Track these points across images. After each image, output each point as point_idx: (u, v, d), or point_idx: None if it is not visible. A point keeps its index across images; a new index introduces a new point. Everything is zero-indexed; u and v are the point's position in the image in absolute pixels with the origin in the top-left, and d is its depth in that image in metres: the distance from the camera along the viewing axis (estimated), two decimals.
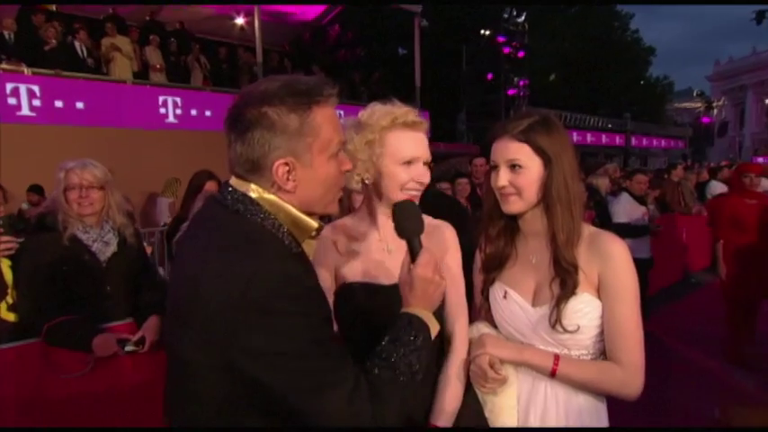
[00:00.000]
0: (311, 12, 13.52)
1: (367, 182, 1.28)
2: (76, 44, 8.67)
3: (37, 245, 2.15)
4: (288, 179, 0.96)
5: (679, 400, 3.57)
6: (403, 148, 1.25)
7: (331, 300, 1.32)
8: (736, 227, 4.26)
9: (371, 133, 1.24)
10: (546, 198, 1.23)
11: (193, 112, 8.93)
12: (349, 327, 1.31)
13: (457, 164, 9.08)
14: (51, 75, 7.71)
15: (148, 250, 3.35)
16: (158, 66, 9.65)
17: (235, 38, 12.22)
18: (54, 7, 9.63)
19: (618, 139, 23.08)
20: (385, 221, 1.31)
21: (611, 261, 1.19)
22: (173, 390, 1.00)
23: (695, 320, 5.56)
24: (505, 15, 17.26)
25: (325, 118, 0.98)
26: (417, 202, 1.24)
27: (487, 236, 1.37)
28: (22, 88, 7.21)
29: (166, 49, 10.09)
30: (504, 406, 1.26)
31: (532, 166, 1.22)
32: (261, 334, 0.85)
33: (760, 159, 21.53)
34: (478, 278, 1.42)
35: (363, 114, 1.29)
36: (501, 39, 17.29)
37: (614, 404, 1.30)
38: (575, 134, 19.38)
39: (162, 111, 8.59)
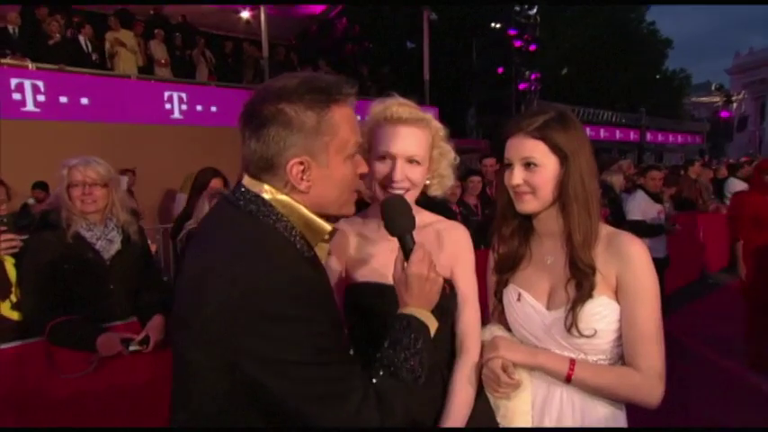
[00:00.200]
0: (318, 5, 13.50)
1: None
2: (81, 38, 8.73)
3: (40, 243, 2.16)
4: (302, 179, 0.94)
5: (697, 403, 3.52)
6: (379, 143, 1.24)
7: (342, 295, 1.31)
8: (757, 226, 4.19)
9: (364, 128, 1.24)
10: (562, 197, 1.20)
11: (199, 107, 8.95)
12: (355, 326, 1.30)
13: (467, 160, 9.05)
14: (56, 70, 7.77)
15: (152, 248, 3.37)
16: (163, 60, 9.70)
17: (240, 32, 12.24)
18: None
19: (632, 135, 22.84)
20: None
21: (631, 262, 1.17)
22: (176, 388, 1.00)
23: (713, 322, 5.49)
24: (516, 8, 17.10)
25: (344, 117, 0.97)
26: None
27: (501, 236, 1.35)
28: (27, 84, 7.26)
29: (171, 43, 10.13)
30: (517, 411, 1.24)
31: (548, 164, 1.19)
32: (268, 340, 0.84)
33: None
34: (491, 279, 1.40)
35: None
36: (512, 32, 17.13)
37: (630, 408, 1.28)
38: (587, 129, 19.14)
39: (167, 106, 8.62)
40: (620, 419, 1.27)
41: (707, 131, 27.00)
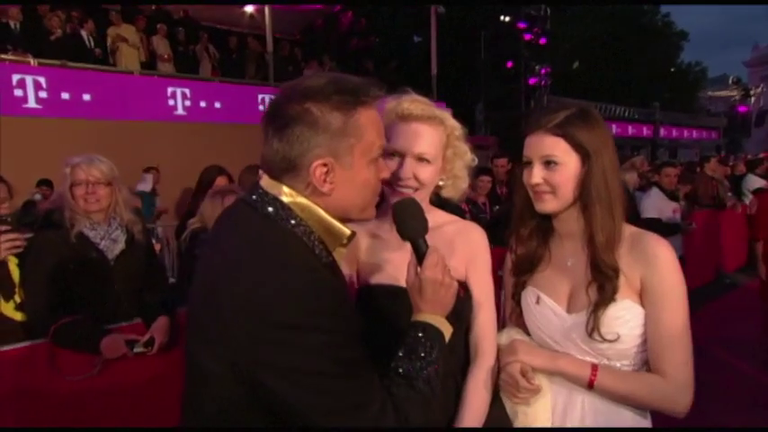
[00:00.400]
0: None
1: None
2: (83, 33, 8.77)
3: (43, 243, 2.17)
4: (325, 181, 0.94)
5: (715, 405, 3.48)
6: (389, 140, 1.22)
7: (353, 297, 1.29)
8: None
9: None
10: (583, 197, 1.18)
11: (203, 103, 8.97)
12: (368, 329, 1.28)
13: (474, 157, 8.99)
14: (58, 66, 7.80)
15: (157, 248, 3.38)
16: (166, 56, 9.73)
17: (244, 26, 12.24)
18: None
19: (645, 130, 22.63)
20: None
21: (657, 264, 1.14)
22: (187, 391, 1.00)
23: (731, 323, 5.44)
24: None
25: (370, 120, 0.96)
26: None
27: (519, 236, 1.33)
28: (29, 80, 7.29)
29: (174, 38, 10.15)
30: (537, 418, 1.22)
31: (569, 162, 1.17)
32: (286, 350, 0.83)
33: None
34: (509, 281, 1.38)
35: None
36: (521, 25, 17.02)
37: (654, 413, 1.26)
38: None
39: (170, 102, 8.65)
40: (646, 427, 1.25)
41: (723, 127, 26.71)
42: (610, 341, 1.16)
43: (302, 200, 0.95)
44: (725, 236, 7.24)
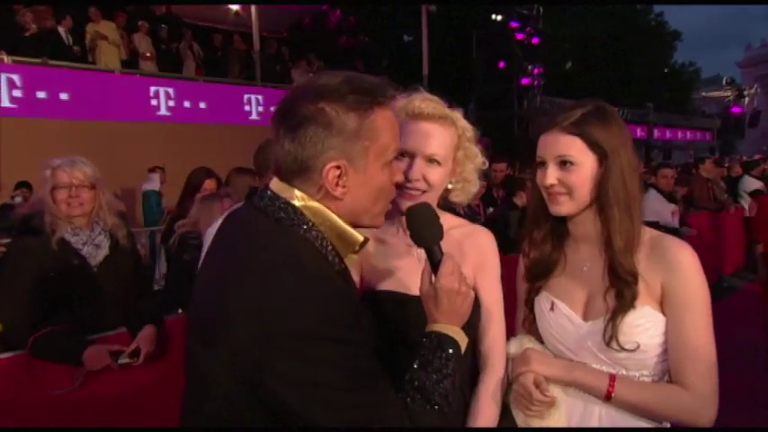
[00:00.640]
0: None
1: None
2: (61, 30, 8.63)
3: (22, 249, 2.12)
4: (338, 184, 0.92)
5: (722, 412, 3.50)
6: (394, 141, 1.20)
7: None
8: None
9: None
10: (600, 198, 1.16)
11: (187, 103, 8.90)
12: (374, 338, 1.25)
13: None
14: (33, 63, 7.67)
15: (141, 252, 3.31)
16: (148, 54, 9.62)
17: (229, 24, 12.17)
18: None
19: (639, 132, 22.85)
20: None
21: (679, 270, 1.12)
22: (188, 395, 0.98)
23: (731, 326, 5.47)
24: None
25: (386, 121, 0.95)
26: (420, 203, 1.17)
27: (532, 240, 1.30)
28: (2, 78, 7.17)
29: (156, 35, 10.05)
30: None
31: (585, 162, 1.15)
32: (299, 362, 0.81)
33: None
34: (522, 286, 1.36)
35: None
36: (514, 24, 17.14)
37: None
38: None
39: (153, 102, 8.58)
40: None
41: (717, 128, 27.09)
42: (628, 350, 1.13)
43: (314, 204, 0.93)
44: (722, 238, 7.31)
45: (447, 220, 1.33)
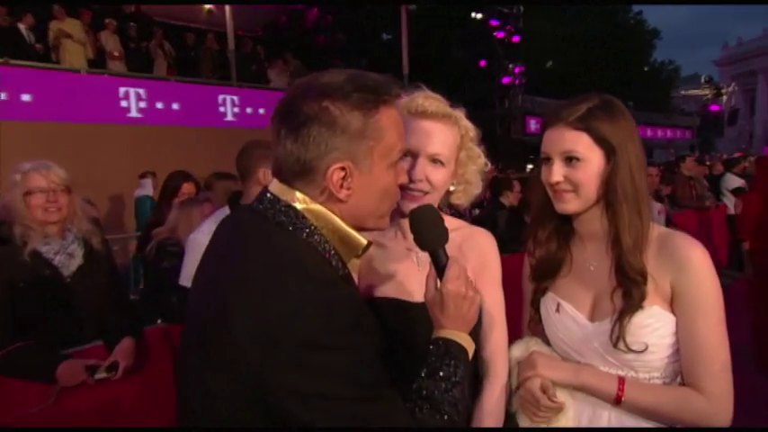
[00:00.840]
0: None
1: None
2: (21, 27, 8.40)
3: None
4: (342, 186, 0.91)
5: None
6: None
7: None
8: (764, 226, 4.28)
9: None
10: (608, 195, 1.15)
11: (159, 104, 8.74)
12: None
13: None
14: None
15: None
16: (116, 53, 9.43)
17: (202, 22, 12.02)
18: None
19: None
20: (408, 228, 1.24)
21: (690, 268, 1.12)
22: (184, 400, 0.96)
23: None
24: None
25: (391, 120, 0.94)
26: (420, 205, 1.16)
27: (537, 239, 1.30)
28: None
29: (125, 34, 9.87)
30: None
31: (592, 158, 1.14)
32: (304, 371, 0.79)
33: None
34: (527, 287, 1.35)
35: None
36: (494, 22, 17.34)
37: None
38: None
39: (123, 104, 8.40)
40: None
41: (697, 126, 27.79)
42: (636, 351, 1.13)
43: (317, 207, 0.92)
44: (706, 236, 7.47)
45: (446, 221, 1.32)
